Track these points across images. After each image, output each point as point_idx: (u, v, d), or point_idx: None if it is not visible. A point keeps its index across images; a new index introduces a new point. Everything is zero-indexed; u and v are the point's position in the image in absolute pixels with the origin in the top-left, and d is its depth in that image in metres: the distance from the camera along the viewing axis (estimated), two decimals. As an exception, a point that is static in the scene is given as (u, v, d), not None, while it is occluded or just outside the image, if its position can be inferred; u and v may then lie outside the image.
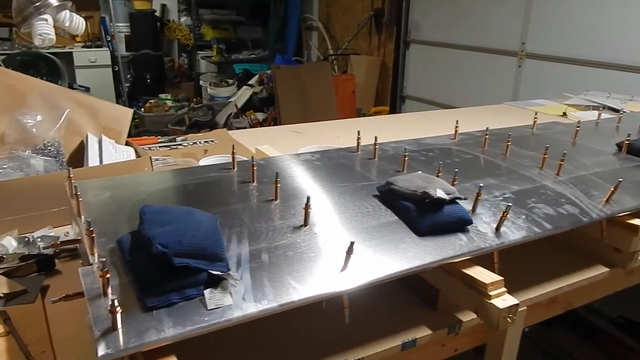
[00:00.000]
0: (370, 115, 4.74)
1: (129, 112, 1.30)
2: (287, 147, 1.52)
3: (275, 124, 4.21)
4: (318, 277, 0.68)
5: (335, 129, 2.10)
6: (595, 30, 3.46)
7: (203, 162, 1.23)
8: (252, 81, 4.74)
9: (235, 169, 1.02)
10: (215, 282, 0.63)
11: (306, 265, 0.70)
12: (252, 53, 6.17)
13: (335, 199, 0.92)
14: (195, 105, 4.32)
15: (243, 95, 4.62)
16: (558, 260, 1.07)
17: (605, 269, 1.05)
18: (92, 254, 0.67)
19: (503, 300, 0.79)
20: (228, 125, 4.07)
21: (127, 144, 1.27)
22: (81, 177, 0.90)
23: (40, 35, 1.23)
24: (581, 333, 1.66)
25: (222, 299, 0.60)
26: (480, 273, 0.82)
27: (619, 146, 1.34)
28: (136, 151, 1.23)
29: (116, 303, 0.54)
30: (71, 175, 0.87)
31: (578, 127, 1.45)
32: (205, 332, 0.58)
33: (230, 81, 5.12)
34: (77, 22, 1.30)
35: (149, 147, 1.52)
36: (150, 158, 1.13)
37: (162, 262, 0.59)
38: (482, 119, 2.36)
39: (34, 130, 1.18)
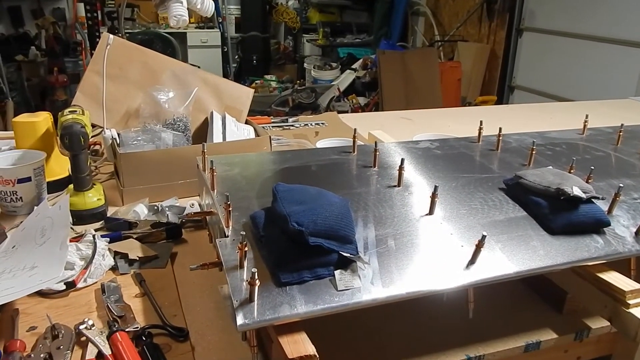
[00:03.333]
0: (476, 104, 4.56)
1: (250, 92, 1.35)
2: (399, 134, 1.50)
3: (377, 109, 4.17)
4: (444, 269, 0.67)
5: (442, 117, 2.04)
6: None
7: (320, 144, 1.25)
8: (355, 65, 4.73)
9: (355, 153, 1.03)
10: (345, 264, 0.63)
11: (433, 255, 0.69)
12: (357, 37, 6.15)
13: (459, 189, 0.89)
14: (299, 87, 4.40)
15: (346, 79, 4.63)
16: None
17: None
18: (228, 227, 0.70)
19: (643, 310, 0.73)
20: (330, 108, 4.10)
21: (247, 122, 1.32)
22: (207, 153, 0.94)
23: (175, 16, 1.31)
24: None
25: (351, 280, 0.61)
26: (617, 279, 0.76)
27: None
28: (255, 130, 1.27)
29: (256, 276, 0.56)
30: (205, 150, 0.91)
31: None
32: (335, 312, 0.59)
33: (334, 65, 5.14)
34: (207, 5, 1.37)
35: (263, 127, 1.57)
36: (270, 137, 1.16)
37: (298, 240, 0.61)
38: (604, 114, 2.18)
39: (166, 105, 1.26)
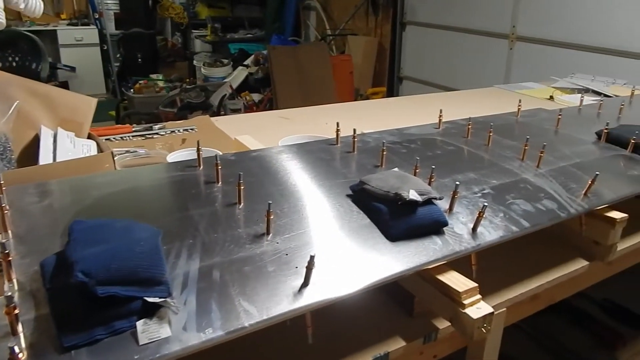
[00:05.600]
0: (367, 96, 4.67)
1: (92, 101, 1.22)
2: (271, 137, 1.46)
3: (272, 106, 4.13)
4: (276, 296, 0.63)
5: (327, 113, 2.04)
6: (581, 14, 3.49)
7: (171, 157, 1.16)
8: (247, 61, 4.64)
9: (202, 167, 0.96)
10: (153, 311, 0.56)
11: (263, 282, 0.65)
12: (249, 32, 6.05)
13: (305, 200, 0.87)
14: (187, 86, 4.21)
15: (238, 75, 4.52)
16: (539, 255, 1.04)
17: (585, 263, 1.03)
18: (10, 281, 0.58)
19: (477, 309, 0.75)
20: (222, 107, 3.99)
21: (89, 136, 1.19)
22: (26, 179, 0.81)
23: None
24: (569, 319, 1.64)
25: (158, 330, 0.54)
26: (455, 279, 0.77)
27: (598, 135, 1.30)
28: (98, 145, 1.15)
29: (17, 349, 0.47)
30: (1, 182, 0.75)
31: (560, 114, 1.39)
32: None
33: (225, 61, 5.00)
34: (33, 4, 1.21)
35: (122, 137, 1.46)
36: (112, 153, 1.05)
37: (84, 292, 0.52)
38: (472, 103, 2.31)
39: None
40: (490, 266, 0.96)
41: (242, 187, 0.81)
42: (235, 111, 3.92)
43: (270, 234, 0.74)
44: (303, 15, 6.16)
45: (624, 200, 1.03)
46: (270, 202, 0.73)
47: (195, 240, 0.71)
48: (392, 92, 5.27)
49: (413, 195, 0.79)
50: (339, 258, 0.72)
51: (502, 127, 1.38)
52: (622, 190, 1.05)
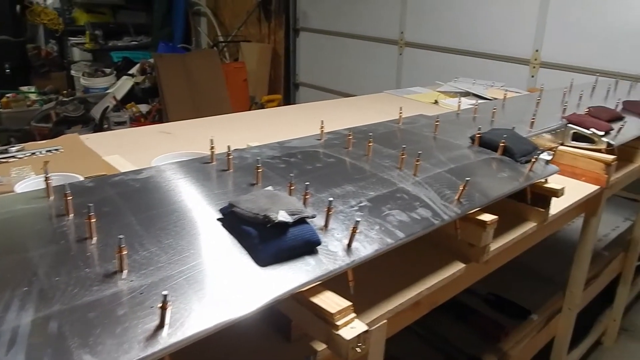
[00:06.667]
0: (262, 104, 4.63)
1: None
2: (147, 155, 1.37)
3: (161, 117, 3.94)
4: (125, 343, 0.56)
5: (215, 126, 1.97)
6: (463, 21, 3.73)
7: (21, 185, 1.03)
8: (132, 70, 4.39)
9: (52, 197, 0.86)
10: None
11: (111, 329, 0.57)
12: (134, 40, 5.74)
13: (169, 229, 0.80)
14: (64, 99, 3.88)
15: (123, 86, 4.27)
16: (418, 262, 1.06)
17: (461, 265, 1.07)
18: None
19: (351, 329, 0.73)
20: (106, 120, 3.73)
21: None
22: None
23: None
24: (455, 315, 1.72)
25: None
26: (329, 300, 0.75)
27: (472, 139, 1.36)
28: None
29: None
30: None
31: (437, 121, 1.45)
32: None
33: (108, 71, 4.69)
34: None
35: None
36: None
37: None
38: (363, 109, 2.36)
39: None
40: (369, 279, 0.96)
41: (93, 220, 0.73)
42: (121, 124, 3.68)
43: (125, 271, 0.67)
44: (193, 21, 5.98)
45: (494, 202, 1.08)
46: (122, 236, 0.66)
47: (31, 287, 0.62)
48: (288, 99, 5.29)
49: (282, 216, 0.76)
50: (203, 290, 0.67)
51: (384, 136, 1.40)
52: (492, 193, 1.10)
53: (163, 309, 0.59)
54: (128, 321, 0.59)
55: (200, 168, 1.06)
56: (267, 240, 0.75)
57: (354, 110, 2.34)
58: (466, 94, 2.68)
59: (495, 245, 1.15)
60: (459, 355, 1.53)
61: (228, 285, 0.69)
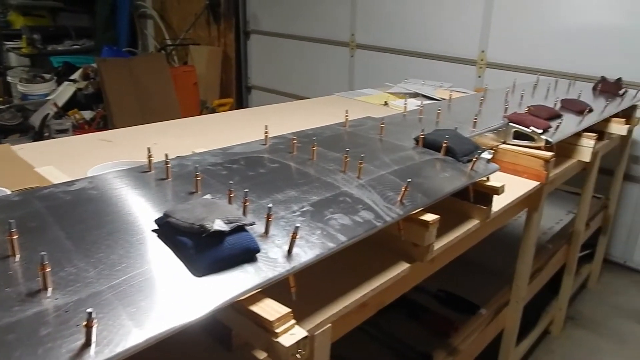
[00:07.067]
0: (213, 109, 4.57)
1: None
2: (84, 165, 1.31)
3: (106, 124, 3.82)
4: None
5: (160, 132, 1.91)
6: (412, 23, 3.79)
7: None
8: (75, 76, 4.23)
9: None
10: None
11: (31, 351, 0.54)
12: (76, 44, 5.53)
13: (100, 242, 0.77)
14: (0, 107, 3.70)
15: (64, 92, 4.10)
16: (363, 263, 1.06)
17: (406, 265, 1.08)
18: None
19: (291, 336, 0.72)
20: (46, 128, 3.57)
21: None
22: None
23: None
24: (407, 313, 1.74)
25: None
26: (268, 308, 0.74)
27: (417, 140, 1.38)
28: None
29: None
30: None
31: (383, 123, 1.46)
32: None
33: (48, 76, 4.49)
34: None
35: None
36: None
37: None
38: (313, 113, 2.36)
39: None
40: (314, 283, 0.96)
41: (15, 237, 0.69)
42: (63, 132, 3.54)
43: (49, 289, 0.64)
44: (139, 24, 5.83)
45: (437, 201, 1.10)
46: (44, 253, 0.62)
47: (-59, 312, 0.58)
48: (241, 103, 5.23)
49: (218, 225, 0.74)
50: (134, 305, 0.64)
51: (330, 139, 1.40)
52: (434, 193, 1.12)
53: (88, 327, 0.56)
54: (51, 341, 0.56)
55: (137, 177, 1.03)
56: (203, 250, 0.73)
57: (304, 114, 2.34)
58: (415, 95, 2.72)
59: (439, 244, 1.17)
60: (410, 353, 1.55)
61: (162, 298, 0.67)
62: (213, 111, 4.49)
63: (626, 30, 2.89)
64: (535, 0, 3.18)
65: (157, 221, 0.82)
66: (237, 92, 5.21)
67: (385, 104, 2.51)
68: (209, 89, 5.04)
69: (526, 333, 2.22)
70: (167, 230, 0.79)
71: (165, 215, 0.79)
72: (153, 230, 0.81)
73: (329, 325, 0.90)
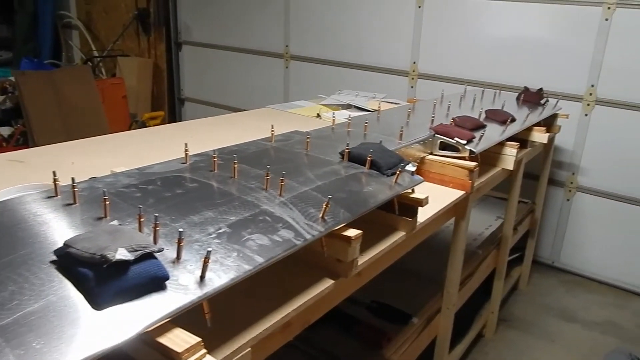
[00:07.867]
0: (144, 122, 4.42)
1: None
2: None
3: (26, 141, 3.60)
4: None
5: (80, 150, 1.81)
6: (344, 34, 3.83)
7: None
8: (-9, 90, 3.97)
9: None
10: None
11: None
12: (-7, 56, 5.22)
13: (-12, 277, 0.70)
14: None
15: (-21, 107, 3.84)
16: (286, 282, 1.04)
17: (330, 282, 1.07)
18: None
19: (201, 367, 0.69)
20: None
21: None
22: None
23: None
24: (339, 326, 1.73)
25: None
26: (177, 338, 0.71)
27: (342, 154, 1.38)
28: None
29: None
30: None
31: (309, 137, 1.46)
32: None
33: (-40, 92, 4.20)
34: None
35: None
36: None
37: None
38: (243, 126, 2.32)
39: None
40: (234, 306, 0.93)
41: None
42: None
43: None
44: (63, 35, 5.57)
45: (360, 216, 1.09)
46: None
47: None
48: (174, 115, 5.10)
49: (121, 254, 0.70)
50: (23, 346, 0.59)
51: (254, 155, 1.37)
52: (358, 207, 1.11)
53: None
54: None
55: (42, 203, 0.96)
56: (105, 282, 0.69)
57: (233, 128, 2.30)
58: (348, 106, 2.75)
59: (364, 258, 1.17)
60: (343, 368, 1.54)
61: (57, 337, 0.61)
62: (144, 125, 4.35)
63: (547, 43, 3.07)
64: (461, 13, 3.32)
65: (56, 252, 0.76)
66: (170, 105, 5.07)
67: (318, 115, 2.52)
68: (140, 102, 4.88)
69: (460, 338, 2.28)
70: (68, 261, 0.73)
71: (65, 246, 0.74)
72: (51, 262, 0.75)
73: (249, 349, 0.87)
